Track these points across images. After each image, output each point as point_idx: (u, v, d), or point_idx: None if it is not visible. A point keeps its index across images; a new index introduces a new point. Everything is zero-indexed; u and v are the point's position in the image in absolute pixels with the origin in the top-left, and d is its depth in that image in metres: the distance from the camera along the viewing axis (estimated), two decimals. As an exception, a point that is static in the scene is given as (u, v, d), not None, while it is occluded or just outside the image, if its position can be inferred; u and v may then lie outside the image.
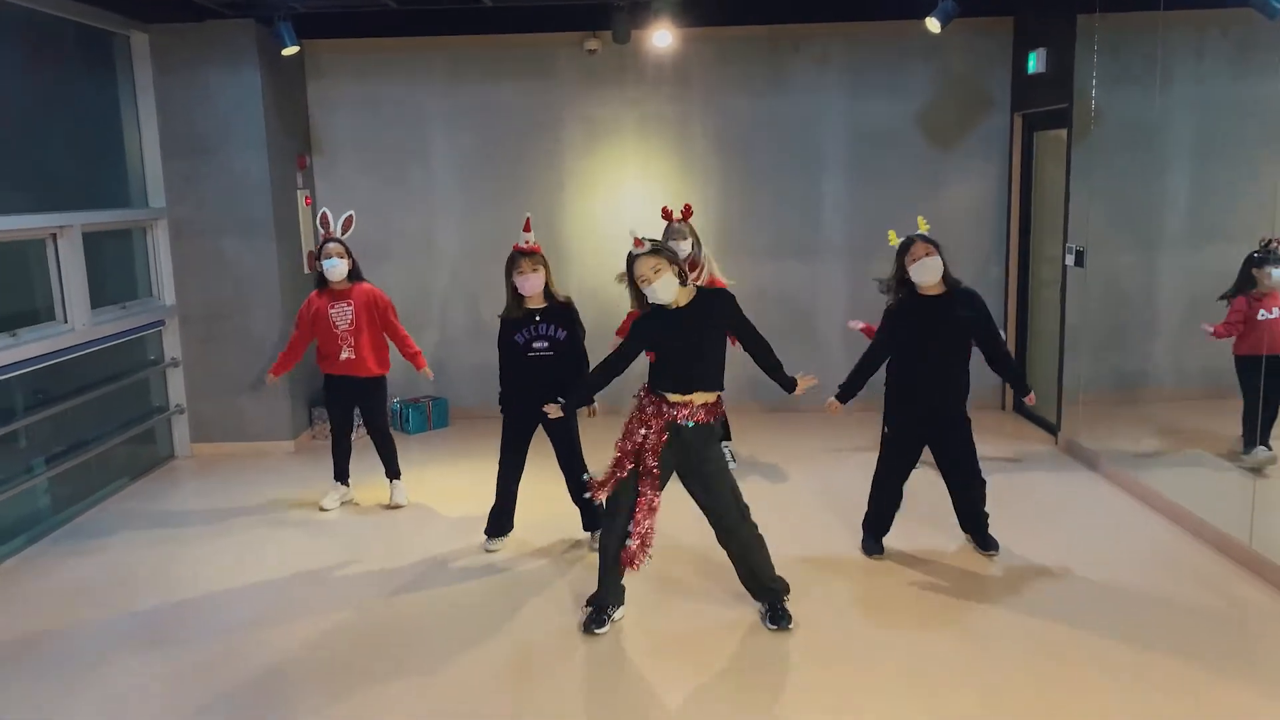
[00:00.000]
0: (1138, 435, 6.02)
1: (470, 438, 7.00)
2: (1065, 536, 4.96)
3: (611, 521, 4.03)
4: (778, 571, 4.18)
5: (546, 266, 4.72)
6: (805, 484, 5.87)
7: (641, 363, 4.23)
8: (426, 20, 6.97)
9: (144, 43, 6.42)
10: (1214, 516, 4.84)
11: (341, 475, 5.72)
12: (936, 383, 4.55)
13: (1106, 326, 6.12)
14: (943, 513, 4.94)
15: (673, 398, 3.95)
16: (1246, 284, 5.19)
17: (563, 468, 4.89)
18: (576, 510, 4.99)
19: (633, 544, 3.95)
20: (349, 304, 5.39)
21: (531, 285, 4.66)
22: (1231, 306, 5.24)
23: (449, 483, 6.11)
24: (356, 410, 5.77)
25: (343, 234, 5.46)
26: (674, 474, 4.08)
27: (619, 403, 4.63)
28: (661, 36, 6.87)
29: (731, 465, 5.03)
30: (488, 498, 5.03)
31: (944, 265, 4.40)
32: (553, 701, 3.59)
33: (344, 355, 5.40)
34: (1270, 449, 5.07)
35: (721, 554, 4.20)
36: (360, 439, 5.97)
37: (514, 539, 5.07)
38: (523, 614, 4.28)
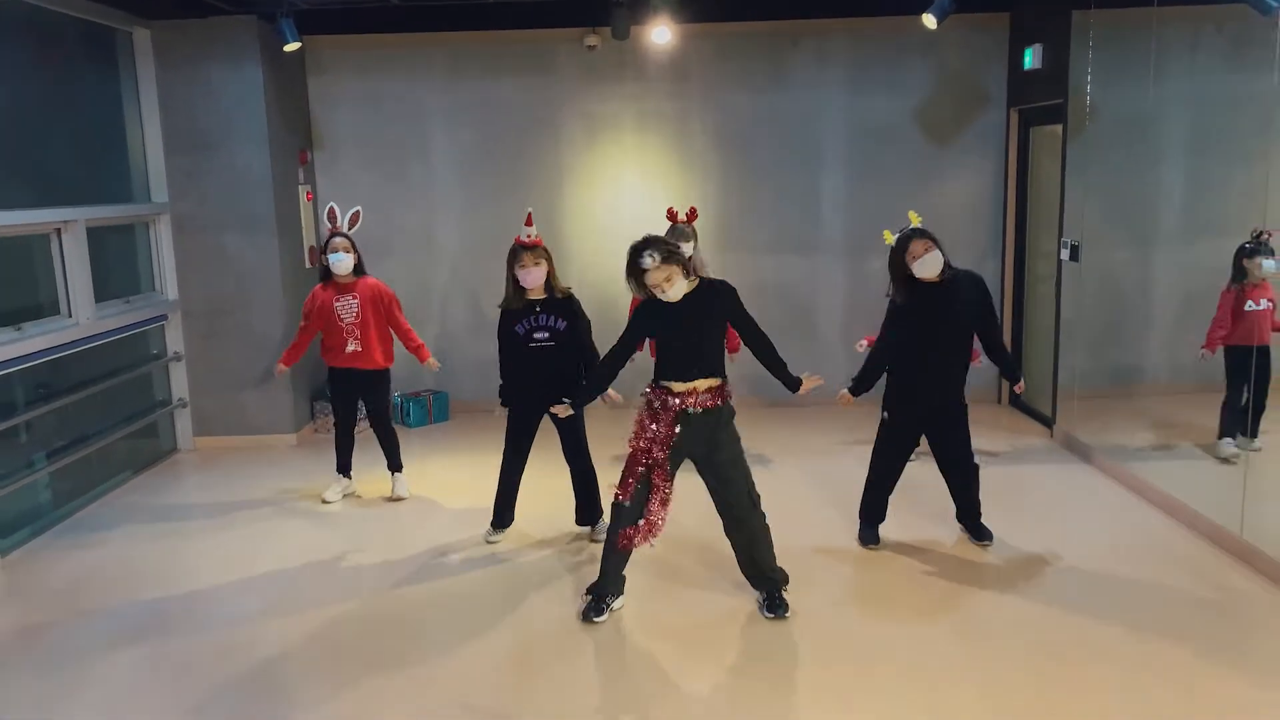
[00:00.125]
0: (1132, 428, 6.07)
1: (471, 431, 7.05)
2: (1060, 528, 5.02)
3: (621, 512, 4.07)
4: (777, 562, 4.23)
5: (549, 260, 4.76)
6: (803, 476, 5.92)
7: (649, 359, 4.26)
8: (427, 16, 7.01)
9: (146, 39, 6.46)
10: (1206, 508, 4.90)
11: (344, 468, 5.78)
12: (938, 380, 4.61)
13: (1101, 321, 6.18)
14: (939, 504, 5.00)
15: (677, 387, 4.00)
16: (1238, 275, 5.26)
17: (568, 459, 4.94)
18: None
19: (636, 528, 4.00)
20: (354, 297, 5.44)
21: (533, 278, 4.70)
22: (1220, 301, 5.30)
23: (450, 476, 6.16)
24: (360, 403, 5.82)
25: (350, 229, 5.51)
26: (684, 464, 4.11)
27: (632, 393, 4.65)
28: (660, 33, 6.90)
29: None
30: (488, 491, 5.08)
31: (943, 256, 4.46)
32: (553, 692, 3.63)
33: (350, 348, 5.45)
34: (1251, 439, 5.16)
35: (724, 544, 4.25)
36: (362, 432, 6.01)
37: (516, 531, 5.11)
38: (524, 605, 4.33)
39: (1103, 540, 4.86)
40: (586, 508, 5.03)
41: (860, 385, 4.68)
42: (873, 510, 4.87)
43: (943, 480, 4.86)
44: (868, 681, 3.63)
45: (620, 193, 7.46)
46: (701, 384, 4.00)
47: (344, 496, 5.77)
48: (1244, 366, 5.20)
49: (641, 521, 4.01)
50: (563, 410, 4.35)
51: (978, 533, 4.84)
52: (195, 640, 4.10)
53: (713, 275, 5.87)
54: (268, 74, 6.60)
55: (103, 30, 6.24)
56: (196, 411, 6.88)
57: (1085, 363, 6.29)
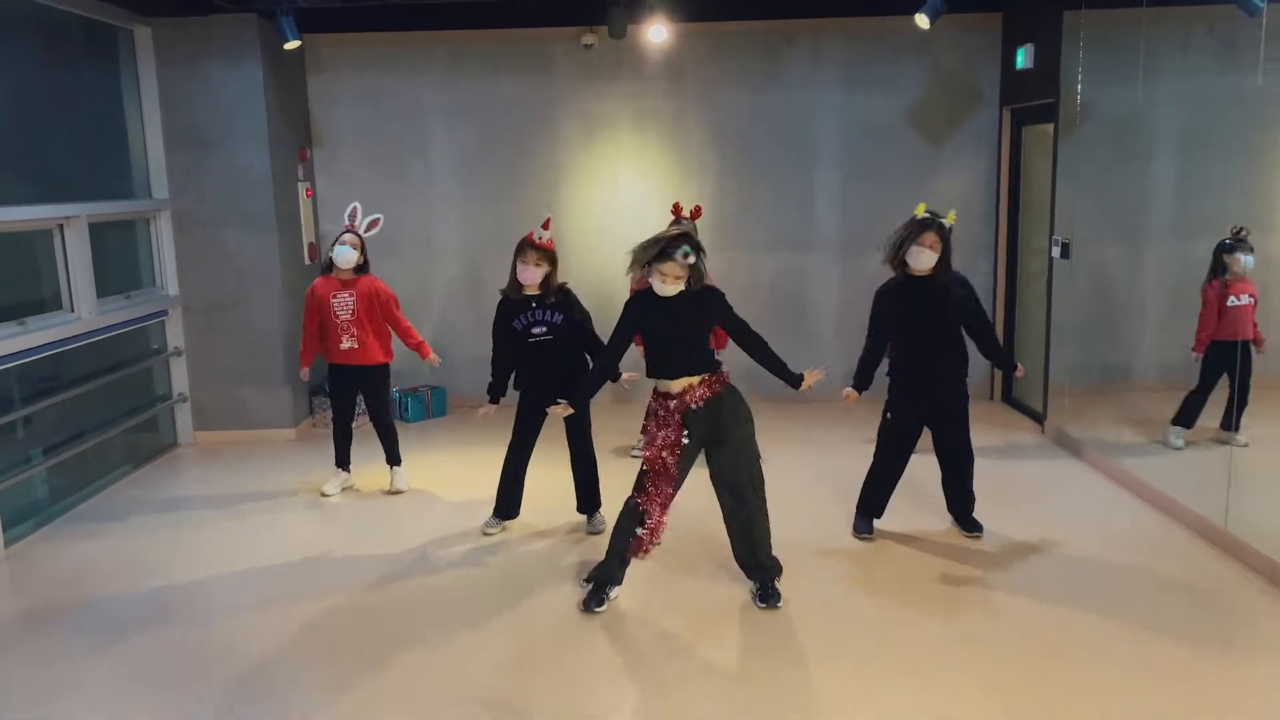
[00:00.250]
0: (1122, 424, 6.16)
1: (468, 426, 7.11)
2: (1051, 522, 5.08)
3: (639, 518, 4.11)
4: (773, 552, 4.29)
5: (552, 265, 4.80)
6: (800, 470, 5.98)
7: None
8: (426, 14, 7.07)
9: (147, 36, 6.52)
10: (1192, 501, 4.98)
11: (343, 462, 5.84)
12: (936, 374, 4.68)
13: (1092, 318, 6.26)
14: (932, 496, 5.07)
15: (675, 387, 4.06)
16: (1218, 269, 5.35)
17: (571, 446, 5.00)
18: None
19: (644, 533, 4.07)
20: (351, 294, 5.50)
21: (530, 276, 4.76)
22: (1203, 299, 5.39)
23: (448, 470, 6.23)
24: (359, 398, 5.88)
25: (365, 232, 5.58)
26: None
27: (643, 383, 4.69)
28: (657, 32, 6.95)
29: None
30: (486, 484, 5.14)
31: (944, 257, 4.52)
32: (552, 682, 3.67)
33: (345, 345, 5.51)
34: (1235, 433, 5.27)
35: (721, 535, 4.31)
36: (360, 427, 6.08)
37: (517, 521, 5.19)
38: (524, 595, 4.38)
39: (1092, 533, 4.93)
40: (586, 495, 5.10)
41: (861, 381, 4.76)
42: (871, 504, 4.94)
43: (934, 472, 4.93)
44: (863, 671, 3.69)
45: (617, 191, 7.52)
46: (696, 378, 4.05)
47: (343, 490, 5.83)
48: (1223, 361, 5.30)
49: (645, 532, 4.07)
50: (559, 410, 4.41)
51: (968, 525, 4.92)
52: (195, 631, 4.15)
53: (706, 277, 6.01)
54: (268, 72, 6.67)
55: (104, 28, 6.30)
56: (196, 406, 6.94)
57: (1076, 359, 6.37)
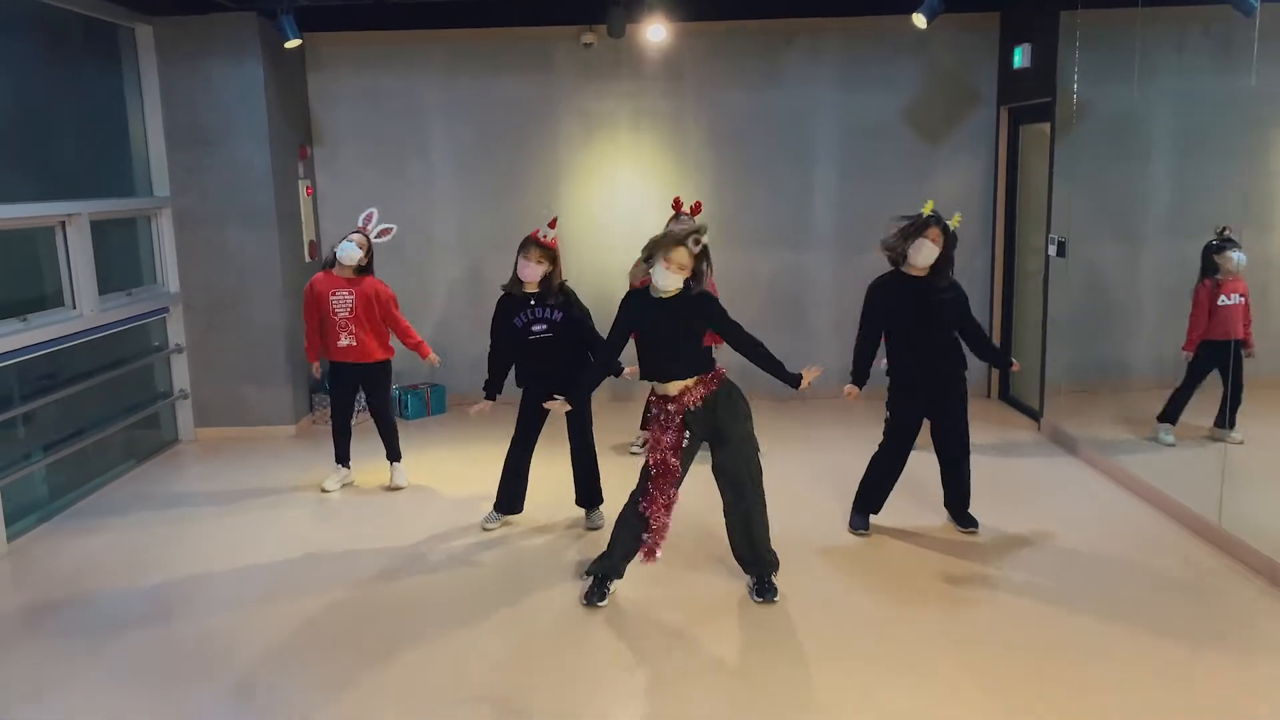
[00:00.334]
0: (1117, 422, 6.19)
1: (467, 423, 7.07)
2: (1047, 518, 5.12)
3: (636, 498, 4.16)
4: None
5: (554, 265, 4.84)
6: (799, 468, 6.00)
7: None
8: (425, 13, 7.11)
9: (148, 35, 6.55)
10: (1187, 498, 5.01)
11: (342, 458, 5.87)
12: (937, 373, 4.72)
13: (1087, 316, 6.29)
14: (929, 492, 5.11)
15: (671, 390, 4.09)
16: (1210, 270, 5.39)
17: (572, 445, 5.03)
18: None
19: (649, 538, 4.11)
20: (350, 293, 5.53)
21: (530, 273, 4.80)
22: (1194, 299, 5.43)
23: (447, 466, 6.26)
24: (358, 395, 5.90)
25: (375, 238, 5.63)
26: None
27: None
28: (655, 31, 6.98)
29: None
30: (485, 480, 5.17)
31: (946, 259, 4.57)
32: (552, 679, 3.70)
33: (344, 342, 5.54)
34: (1230, 430, 5.29)
35: (720, 530, 4.34)
36: (360, 424, 6.11)
37: (516, 517, 5.21)
38: (525, 589, 4.41)
39: (1087, 530, 4.96)
40: (586, 490, 5.13)
41: (858, 376, 4.79)
42: (869, 500, 4.97)
43: (931, 469, 4.96)
44: (858, 663, 3.72)
45: (616, 190, 7.55)
46: (692, 380, 4.08)
47: (343, 486, 5.86)
48: (1212, 360, 5.35)
49: (650, 537, 4.11)
50: (558, 406, 4.43)
51: (964, 521, 4.96)
52: (196, 625, 4.18)
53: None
54: (268, 70, 6.70)
55: (106, 26, 6.33)
56: (197, 403, 6.97)
57: (1072, 357, 6.41)
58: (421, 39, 7.38)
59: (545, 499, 5.38)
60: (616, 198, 7.54)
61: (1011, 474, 5.89)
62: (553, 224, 4.88)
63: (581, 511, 5.19)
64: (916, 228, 4.56)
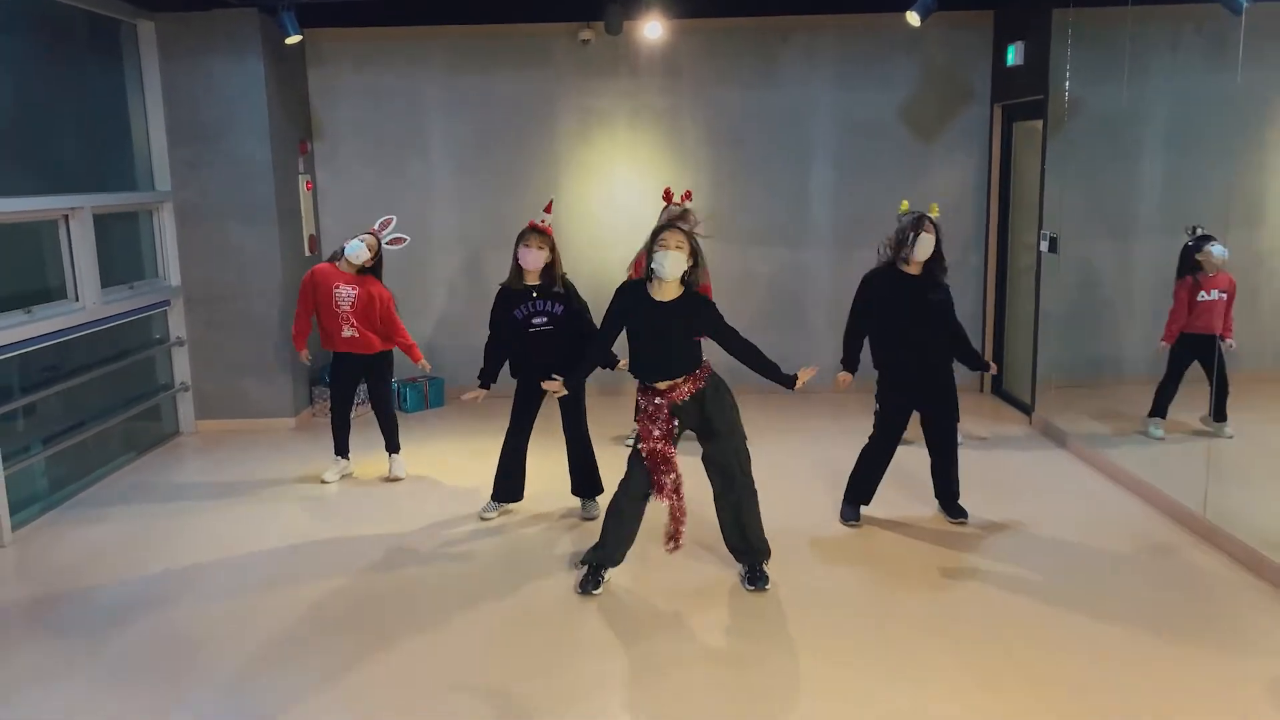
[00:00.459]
0: (1107, 416, 6.26)
1: (466, 416, 7.19)
2: (1036, 511, 5.18)
3: (626, 486, 4.23)
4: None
5: (554, 250, 4.91)
6: (790, 459, 6.07)
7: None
8: (425, 9, 7.16)
9: (150, 31, 6.61)
10: (1173, 490, 5.09)
11: (342, 450, 5.94)
12: (926, 366, 4.80)
13: (1079, 311, 6.36)
14: (919, 483, 5.18)
15: (660, 386, 4.16)
16: (1189, 269, 5.46)
17: (566, 432, 5.10)
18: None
19: (670, 525, 4.20)
20: (354, 288, 5.59)
21: (532, 260, 4.84)
22: (1175, 295, 5.51)
23: (446, 458, 6.32)
24: (358, 388, 5.96)
25: (387, 244, 5.71)
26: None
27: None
28: (653, 28, 7.04)
29: None
30: (483, 472, 5.23)
31: (938, 251, 4.67)
32: (548, 662, 3.77)
33: (346, 333, 5.61)
34: (1222, 424, 5.39)
35: (712, 519, 4.41)
36: (359, 416, 6.17)
37: (513, 506, 5.28)
38: (521, 579, 4.47)
39: (1077, 522, 5.03)
40: (581, 480, 5.20)
41: (849, 364, 4.88)
42: (859, 491, 5.04)
43: (921, 460, 5.03)
44: (852, 657, 3.78)
45: (614, 186, 7.61)
46: (680, 379, 4.14)
47: (342, 477, 5.93)
48: (1190, 352, 5.43)
49: (671, 524, 4.20)
50: (554, 386, 4.48)
51: (953, 511, 5.03)
52: (196, 614, 4.22)
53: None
54: (269, 66, 6.76)
55: (108, 22, 6.39)
56: (198, 395, 7.04)
57: (1063, 352, 6.48)
58: (422, 35, 7.43)
59: (541, 489, 5.44)
60: (615, 194, 7.60)
61: (1002, 467, 5.96)
62: (549, 208, 4.94)
63: (578, 501, 5.26)
64: (911, 227, 4.65)
